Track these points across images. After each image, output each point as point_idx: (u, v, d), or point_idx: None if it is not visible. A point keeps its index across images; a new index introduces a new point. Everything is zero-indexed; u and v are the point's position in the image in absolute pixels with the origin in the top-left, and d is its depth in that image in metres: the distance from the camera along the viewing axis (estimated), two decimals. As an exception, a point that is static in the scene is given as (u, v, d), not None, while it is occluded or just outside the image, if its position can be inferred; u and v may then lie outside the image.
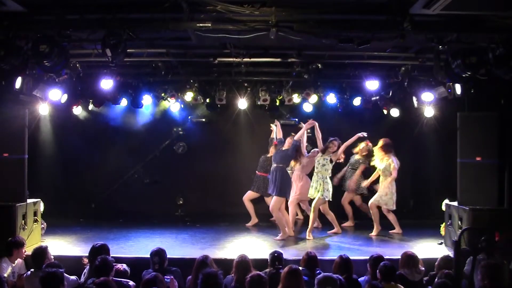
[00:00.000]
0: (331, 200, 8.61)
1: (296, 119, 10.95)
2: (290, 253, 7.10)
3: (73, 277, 5.71)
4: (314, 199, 8.57)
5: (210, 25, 5.76)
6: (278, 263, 5.53)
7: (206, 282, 4.55)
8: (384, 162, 8.74)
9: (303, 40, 6.49)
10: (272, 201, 8.29)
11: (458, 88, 7.62)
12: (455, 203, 7.75)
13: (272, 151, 9.09)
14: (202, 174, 10.86)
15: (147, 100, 9.83)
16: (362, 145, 9.41)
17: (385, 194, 8.70)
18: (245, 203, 9.59)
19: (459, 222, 7.46)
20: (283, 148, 8.45)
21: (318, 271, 5.44)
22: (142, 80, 9.50)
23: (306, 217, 9.43)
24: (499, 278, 4.88)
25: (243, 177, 10.37)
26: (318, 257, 5.75)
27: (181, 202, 10.90)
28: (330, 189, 8.55)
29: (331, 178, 8.75)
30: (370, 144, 9.33)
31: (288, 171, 8.55)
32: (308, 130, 9.31)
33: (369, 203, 8.87)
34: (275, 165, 8.32)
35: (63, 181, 10.05)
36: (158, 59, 7.94)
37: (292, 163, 8.62)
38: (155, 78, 9.15)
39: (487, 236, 6.10)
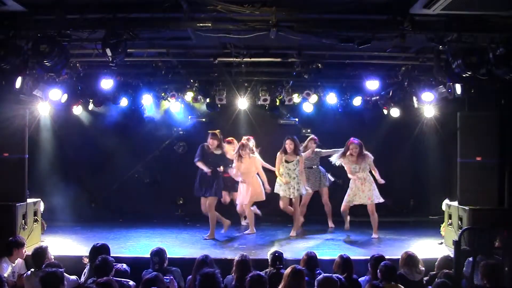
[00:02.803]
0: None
1: (296, 119, 10.97)
2: (290, 253, 7.10)
3: (73, 277, 5.72)
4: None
5: (210, 25, 5.77)
6: (279, 263, 5.53)
7: (204, 282, 4.56)
8: (366, 161, 8.47)
9: (303, 40, 6.50)
10: (210, 201, 8.27)
11: (458, 88, 7.61)
12: (455, 203, 7.75)
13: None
14: (202, 173, 10.83)
15: (147, 100, 9.84)
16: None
17: (369, 190, 8.46)
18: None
19: (459, 222, 7.46)
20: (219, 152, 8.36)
21: (318, 271, 5.44)
22: (142, 80, 9.52)
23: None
24: (498, 278, 4.89)
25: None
26: (318, 257, 5.76)
27: (181, 202, 10.90)
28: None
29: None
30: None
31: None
32: (309, 130, 9.33)
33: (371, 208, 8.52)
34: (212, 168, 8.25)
35: (63, 181, 10.04)
36: (158, 59, 7.94)
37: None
38: (155, 78, 9.16)
39: (487, 236, 6.11)
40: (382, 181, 8.42)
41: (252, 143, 8.91)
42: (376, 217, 8.51)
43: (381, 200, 8.45)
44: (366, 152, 8.49)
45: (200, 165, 8.35)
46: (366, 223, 8.91)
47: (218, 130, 8.60)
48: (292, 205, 8.60)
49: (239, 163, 8.51)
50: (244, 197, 8.63)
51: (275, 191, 8.65)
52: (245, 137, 8.96)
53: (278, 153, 8.54)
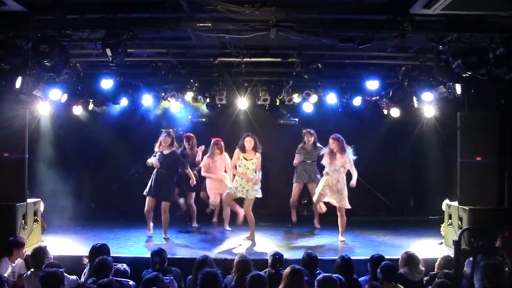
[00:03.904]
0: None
1: (296, 119, 10.97)
2: (290, 253, 7.10)
3: (73, 277, 5.72)
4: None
5: (210, 25, 5.77)
6: (279, 265, 5.51)
7: (206, 281, 4.57)
8: (342, 160, 8.12)
9: (303, 40, 6.49)
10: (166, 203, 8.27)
11: (458, 88, 7.62)
12: (455, 203, 7.75)
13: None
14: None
15: (147, 100, 9.84)
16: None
17: (346, 192, 8.14)
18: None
19: (459, 222, 7.46)
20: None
21: (318, 271, 5.44)
22: (142, 80, 9.52)
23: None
24: (498, 278, 4.89)
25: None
26: (318, 257, 5.76)
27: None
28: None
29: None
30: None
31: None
32: (311, 131, 9.31)
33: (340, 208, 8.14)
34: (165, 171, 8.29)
35: (63, 181, 10.04)
36: (158, 59, 7.95)
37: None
38: (155, 78, 9.16)
39: (487, 236, 6.11)
40: (353, 185, 8.10)
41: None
42: (345, 220, 8.14)
43: (349, 206, 8.12)
44: (347, 152, 8.16)
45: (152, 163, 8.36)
46: (364, 223, 8.92)
47: (171, 129, 8.69)
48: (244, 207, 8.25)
49: (210, 159, 8.80)
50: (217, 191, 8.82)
51: (229, 190, 8.19)
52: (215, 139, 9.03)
53: (236, 149, 8.15)
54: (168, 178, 8.31)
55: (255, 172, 8.02)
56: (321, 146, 9.12)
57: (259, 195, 8.14)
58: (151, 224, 8.54)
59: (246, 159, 8.03)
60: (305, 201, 10.08)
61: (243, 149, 8.06)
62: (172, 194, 8.39)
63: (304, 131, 9.29)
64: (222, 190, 8.77)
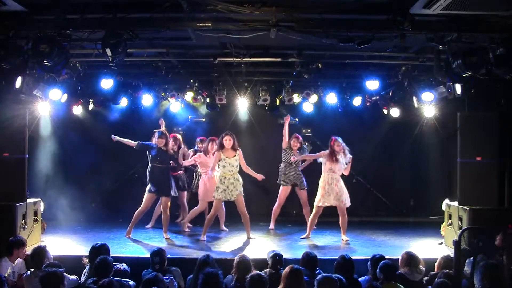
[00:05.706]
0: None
1: (296, 119, 10.97)
2: (290, 253, 7.10)
3: (73, 277, 5.72)
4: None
5: (210, 24, 5.78)
6: (280, 266, 5.51)
7: (207, 282, 4.57)
8: (345, 159, 8.16)
9: (303, 40, 6.50)
10: (166, 201, 8.32)
11: (458, 88, 7.62)
12: (455, 203, 7.75)
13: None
14: (202, 174, 10.83)
15: (147, 100, 9.84)
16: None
17: (341, 192, 8.09)
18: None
19: (459, 222, 7.47)
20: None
21: (318, 271, 5.44)
22: (142, 80, 9.53)
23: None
24: (498, 278, 4.89)
25: (242, 177, 10.32)
26: (318, 257, 5.76)
27: (181, 202, 10.89)
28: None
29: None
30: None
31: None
32: (309, 130, 9.31)
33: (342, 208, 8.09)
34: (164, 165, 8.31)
35: (63, 181, 10.05)
36: (158, 59, 7.96)
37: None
38: (155, 78, 9.17)
39: (487, 236, 6.11)
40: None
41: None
42: (346, 219, 8.10)
43: (349, 203, 8.10)
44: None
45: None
46: (364, 223, 8.90)
47: (164, 129, 8.73)
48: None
49: (203, 157, 8.76)
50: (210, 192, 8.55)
51: (215, 196, 8.06)
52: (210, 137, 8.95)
53: (216, 152, 8.15)
54: (164, 172, 8.30)
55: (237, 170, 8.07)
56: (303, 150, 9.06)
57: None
58: (132, 228, 8.42)
59: (228, 157, 8.05)
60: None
61: (222, 148, 8.07)
62: (170, 188, 8.37)
63: (293, 135, 9.17)
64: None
